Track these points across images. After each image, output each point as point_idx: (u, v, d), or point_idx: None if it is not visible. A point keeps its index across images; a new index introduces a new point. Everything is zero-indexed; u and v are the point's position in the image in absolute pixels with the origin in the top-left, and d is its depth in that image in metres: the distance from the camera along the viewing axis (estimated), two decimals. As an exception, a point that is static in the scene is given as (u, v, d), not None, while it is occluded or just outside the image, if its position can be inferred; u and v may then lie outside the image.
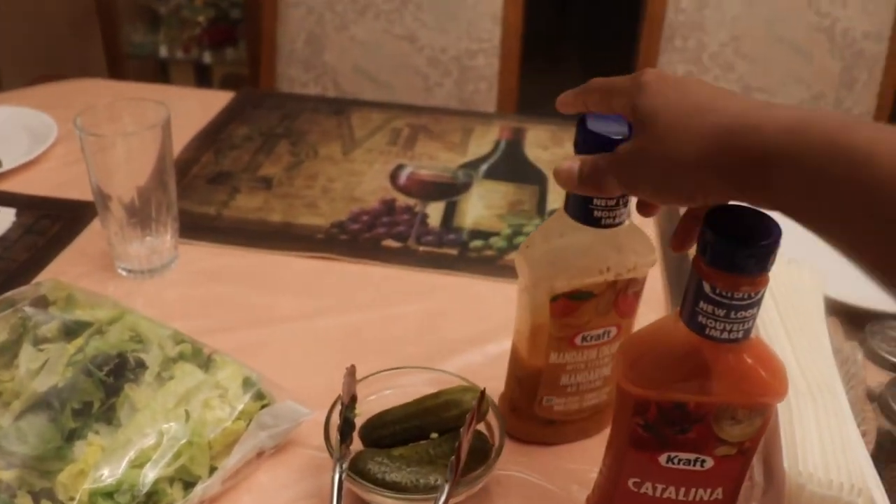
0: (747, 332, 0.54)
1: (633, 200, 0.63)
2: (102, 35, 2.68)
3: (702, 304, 0.53)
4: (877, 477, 0.60)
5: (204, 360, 0.74)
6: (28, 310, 0.76)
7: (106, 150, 0.90)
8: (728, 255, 0.51)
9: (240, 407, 0.70)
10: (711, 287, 0.52)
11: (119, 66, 2.72)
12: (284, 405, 0.73)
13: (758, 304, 0.53)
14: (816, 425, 0.62)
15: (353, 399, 0.69)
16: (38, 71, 1.41)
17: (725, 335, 0.53)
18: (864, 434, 0.64)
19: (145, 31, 2.91)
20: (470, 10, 1.60)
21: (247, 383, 0.73)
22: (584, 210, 0.64)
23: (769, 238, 0.51)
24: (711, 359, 0.55)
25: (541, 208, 1.11)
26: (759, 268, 0.51)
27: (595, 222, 0.64)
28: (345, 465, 0.65)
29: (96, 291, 0.84)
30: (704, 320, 0.53)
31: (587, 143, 0.61)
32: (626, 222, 0.66)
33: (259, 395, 0.73)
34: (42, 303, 0.78)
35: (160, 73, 3.01)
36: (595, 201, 0.63)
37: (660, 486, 0.62)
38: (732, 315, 0.53)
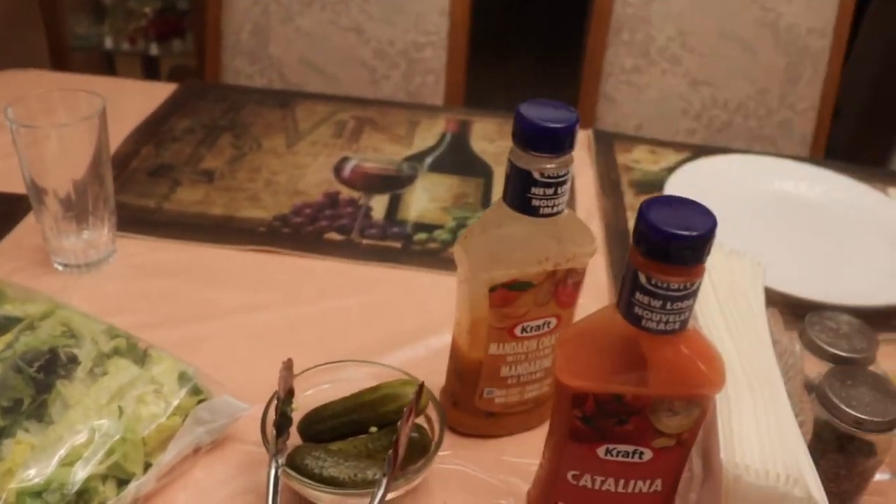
0: (684, 323, 0.54)
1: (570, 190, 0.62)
2: (45, 27, 2.62)
3: (638, 296, 0.53)
4: (813, 467, 0.60)
5: (139, 356, 0.73)
6: (-45, 303, 0.74)
7: (39, 142, 0.88)
8: (663, 246, 0.51)
9: (175, 402, 0.69)
10: (647, 278, 0.52)
11: (63, 58, 2.67)
12: (221, 400, 0.72)
13: (694, 295, 0.53)
14: (754, 417, 0.62)
15: (290, 393, 0.68)
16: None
17: (662, 326, 0.53)
18: (801, 424, 0.64)
19: (89, 22, 2.86)
20: (417, 2, 1.59)
21: (183, 378, 0.71)
22: (522, 200, 0.63)
23: (705, 229, 0.51)
24: (648, 350, 0.55)
25: (486, 201, 1.10)
26: (694, 259, 0.51)
27: (533, 212, 0.63)
28: (281, 460, 0.64)
29: (29, 286, 0.82)
30: (641, 311, 0.53)
31: (525, 131, 0.61)
32: (565, 212, 0.65)
33: (195, 390, 0.71)
34: (-29, 295, 0.76)
35: (106, 65, 2.95)
36: (533, 190, 0.62)
37: (599, 479, 0.61)
38: (669, 306, 0.52)
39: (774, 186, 1.20)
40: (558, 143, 0.61)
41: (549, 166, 0.62)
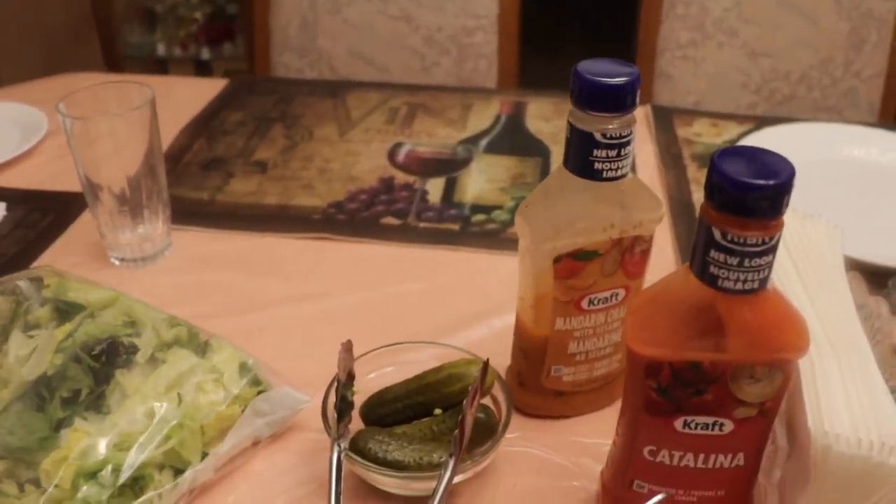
0: (763, 281, 0.50)
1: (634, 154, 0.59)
2: (99, 37, 2.65)
3: (713, 253, 0.49)
4: (908, 433, 0.56)
5: (200, 345, 0.71)
6: (22, 284, 0.73)
7: (91, 137, 0.87)
8: (738, 198, 0.47)
9: (235, 392, 0.67)
10: (722, 233, 0.48)
11: (117, 67, 2.70)
12: (281, 391, 0.70)
13: (773, 250, 0.49)
14: (841, 382, 0.58)
15: (351, 376, 0.66)
16: (37, 76, 1.39)
17: (740, 286, 0.50)
18: (892, 391, 0.61)
19: (142, 30, 2.89)
20: (465, -14, 1.57)
21: (243, 368, 0.70)
22: (584, 164, 0.60)
23: (783, 177, 0.47)
24: (726, 313, 0.52)
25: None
26: (773, 210, 0.48)
27: (596, 175, 0.60)
28: (343, 445, 0.62)
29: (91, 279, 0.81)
30: (716, 270, 0.50)
31: (584, 89, 0.58)
32: (630, 176, 0.62)
33: (255, 381, 0.69)
34: (37, 283, 0.75)
35: (160, 72, 2.99)
36: (595, 152, 0.59)
37: (677, 454, 0.58)
38: (746, 263, 0.49)
39: (844, 154, 1.15)
40: (620, 100, 0.58)
41: (611, 126, 0.59)
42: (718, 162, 0.48)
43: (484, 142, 1.18)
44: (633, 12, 1.64)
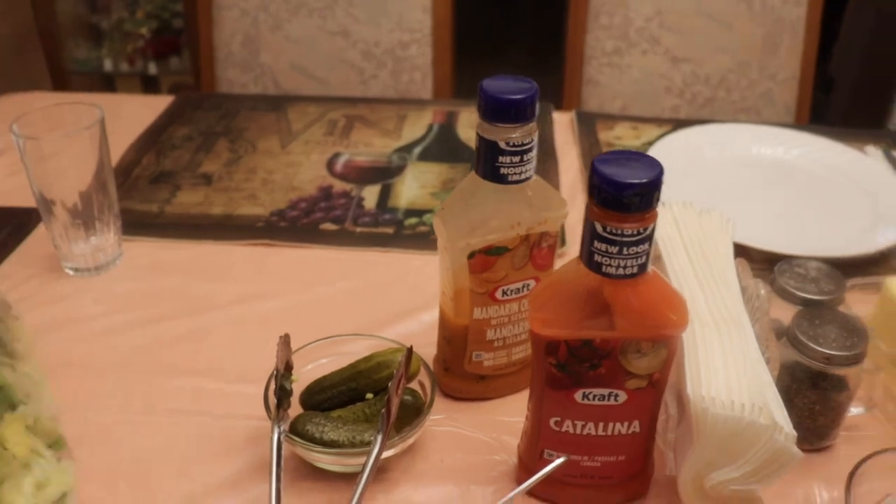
0: (642, 266, 0.58)
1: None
2: (45, 53, 2.68)
3: (596, 244, 0.57)
4: (778, 397, 0.64)
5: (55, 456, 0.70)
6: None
7: (45, 154, 0.93)
8: (615, 195, 0.55)
9: None
10: (603, 227, 0.56)
11: (64, 82, 2.73)
12: None
13: (648, 239, 0.57)
14: (721, 353, 0.66)
15: (289, 367, 0.72)
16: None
17: (621, 271, 0.58)
18: (768, 361, 0.69)
19: (88, 46, 2.92)
20: (400, 2, 1.64)
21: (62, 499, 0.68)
22: (491, 169, 0.68)
23: (652, 176, 0.55)
24: (611, 296, 0.60)
25: (474, 185, 1.15)
26: (644, 205, 0.56)
27: (503, 179, 0.68)
28: (283, 428, 0.69)
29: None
30: (600, 259, 0.58)
31: (488, 104, 0.65)
32: (534, 179, 0.70)
33: None
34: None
35: (107, 87, 3.02)
36: (500, 159, 0.67)
37: (579, 423, 0.66)
38: (625, 251, 0.57)
39: (753, 152, 1.24)
40: (521, 112, 0.66)
41: (513, 135, 0.66)
42: (598, 164, 0.56)
43: (417, 150, 1.25)
44: (561, 23, 1.72)
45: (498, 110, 0.66)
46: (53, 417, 0.72)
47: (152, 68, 2.90)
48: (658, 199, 0.57)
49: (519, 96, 0.65)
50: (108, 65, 2.90)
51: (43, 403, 0.72)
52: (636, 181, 0.55)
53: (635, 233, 0.56)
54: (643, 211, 0.56)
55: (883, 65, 2.76)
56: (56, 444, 0.71)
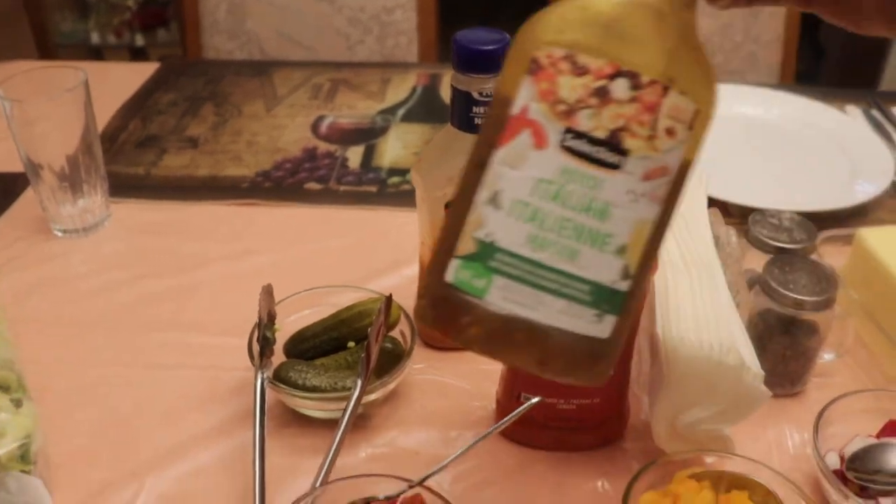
0: None
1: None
2: (31, 25, 2.67)
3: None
4: (747, 338, 0.66)
5: (15, 399, 0.69)
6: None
7: (31, 118, 0.94)
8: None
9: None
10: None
11: (51, 55, 2.72)
12: (33, 482, 0.67)
13: None
14: (691, 296, 0.68)
15: (272, 317, 0.74)
16: (-35, 65, 1.44)
17: None
18: (737, 305, 0.71)
19: (74, 19, 2.91)
20: (385, -33, 1.65)
21: (26, 439, 0.67)
22: (465, 119, 0.70)
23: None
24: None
25: (457, 145, 1.16)
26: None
27: (476, 129, 0.69)
28: (267, 374, 0.71)
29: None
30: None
31: (461, 55, 0.67)
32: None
33: (25, 458, 0.66)
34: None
35: (94, 59, 3.01)
36: (474, 109, 0.68)
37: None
38: None
39: (733, 111, 1.25)
40: (493, 63, 0.67)
41: (486, 86, 0.68)
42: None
43: (401, 111, 1.26)
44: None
45: (470, 61, 0.67)
46: (8, 363, 0.72)
47: (140, 40, 2.90)
48: None
49: (491, 47, 0.67)
50: (95, 37, 2.90)
51: None
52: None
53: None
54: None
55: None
56: (15, 390, 0.71)
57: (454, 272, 0.45)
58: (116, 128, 1.23)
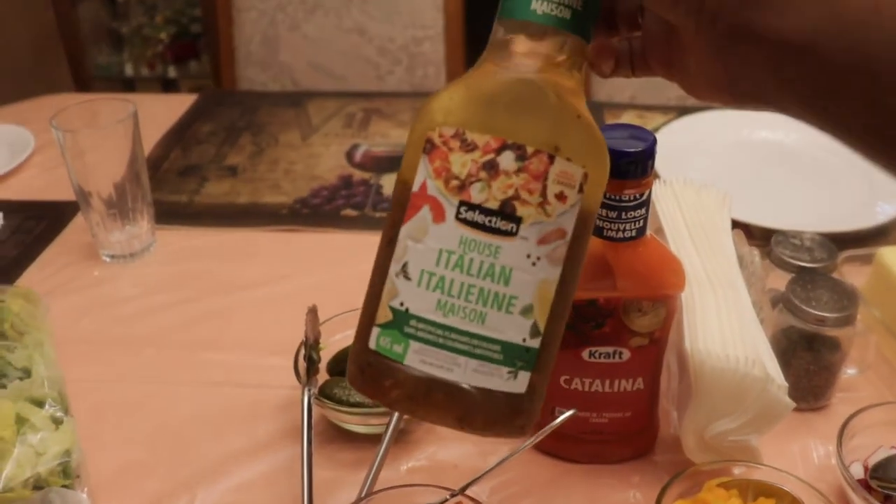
0: (640, 230, 0.63)
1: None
2: (68, 58, 2.75)
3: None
4: (771, 352, 0.69)
5: (56, 416, 0.73)
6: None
7: (82, 148, 0.98)
8: (613, 164, 0.60)
9: (41, 471, 0.68)
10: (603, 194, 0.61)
11: (86, 87, 2.80)
12: (77, 496, 0.70)
13: (645, 204, 0.62)
14: (716, 312, 0.71)
15: (317, 338, 0.78)
16: (4, 98, 1.49)
17: (621, 234, 0.63)
18: (761, 321, 0.74)
19: (109, 52, 2.99)
20: (412, 0, 1.70)
21: (66, 454, 0.70)
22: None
23: (646, 145, 0.60)
24: (613, 258, 0.65)
25: (487, 171, 1.20)
26: (640, 171, 0.61)
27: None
28: (313, 391, 0.74)
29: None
30: (601, 223, 0.63)
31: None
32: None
33: (66, 472, 0.70)
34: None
35: (127, 91, 3.08)
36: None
37: (587, 381, 0.71)
38: (623, 216, 0.62)
39: (753, 136, 1.29)
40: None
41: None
42: None
43: (432, 140, 1.30)
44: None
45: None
46: (53, 382, 0.76)
47: (172, 72, 2.97)
48: (652, 167, 0.62)
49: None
50: (129, 69, 2.98)
51: (37, 376, 0.76)
52: (632, 150, 0.60)
53: (632, 198, 0.62)
54: (639, 178, 0.61)
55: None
56: (57, 409, 0.74)
57: (375, 339, 0.49)
58: (158, 157, 1.28)
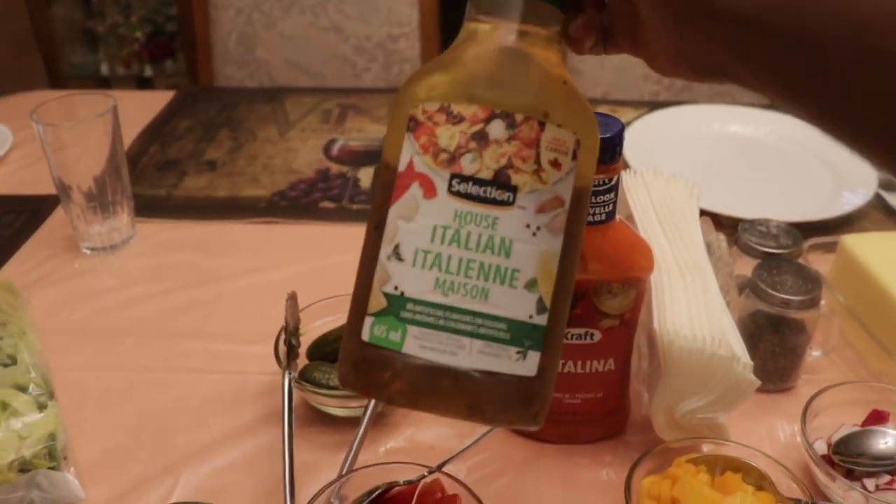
0: (609, 214, 0.66)
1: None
2: (43, 57, 2.74)
3: None
4: (737, 332, 0.72)
5: (40, 400, 0.75)
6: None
7: (62, 141, 1.00)
8: None
9: (26, 454, 0.70)
10: None
11: (61, 86, 2.79)
12: (64, 477, 0.71)
13: (614, 189, 0.65)
14: (685, 294, 0.73)
15: (297, 322, 0.80)
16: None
17: (590, 218, 0.65)
18: (728, 304, 0.76)
19: (84, 51, 2.99)
20: (388, -2, 1.72)
21: (51, 437, 0.72)
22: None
23: (613, 132, 0.63)
24: (585, 241, 0.67)
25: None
26: (608, 157, 0.63)
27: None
28: (293, 374, 0.76)
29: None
30: None
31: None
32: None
33: (52, 455, 0.71)
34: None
35: (103, 89, 3.08)
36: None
37: (560, 362, 0.73)
38: (593, 199, 0.64)
39: (723, 129, 1.32)
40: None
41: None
42: None
43: (409, 134, 1.32)
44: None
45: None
46: (38, 369, 0.77)
47: (148, 71, 2.97)
48: (620, 153, 0.64)
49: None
50: (104, 69, 2.98)
51: (22, 363, 0.77)
52: (602, 135, 0.62)
53: (602, 183, 0.64)
54: (608, 163, 0.63)
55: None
56: (41, 394, 0.75)
57: (369, 330, 0.46)
58: (137, 152, 1.29)
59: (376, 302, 0.46)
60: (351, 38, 1.74)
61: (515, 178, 0.45)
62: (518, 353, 0.45)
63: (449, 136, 0.46)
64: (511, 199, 0.45)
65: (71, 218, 1.04)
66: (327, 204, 1.14)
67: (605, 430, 0.78)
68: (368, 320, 0.46)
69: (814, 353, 0.86)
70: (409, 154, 0.46)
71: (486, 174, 0.45)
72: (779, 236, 0.88)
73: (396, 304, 0.45)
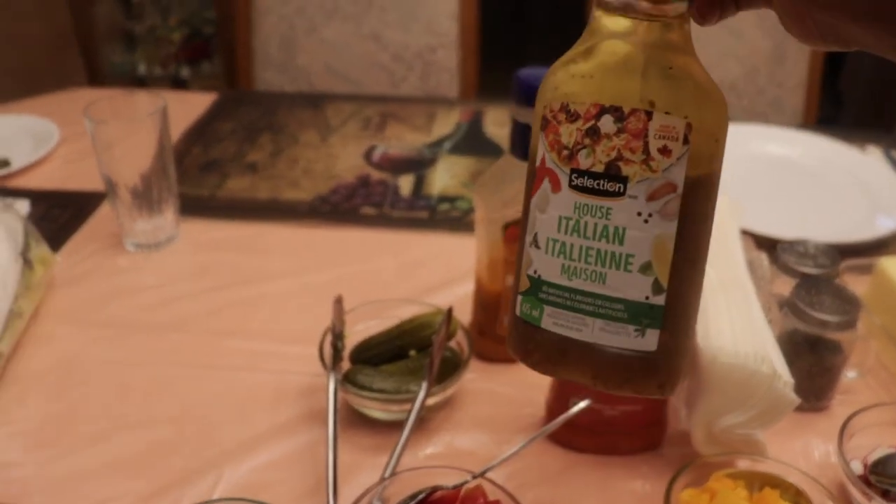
0: None
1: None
2: (83, 56, 2.78)
3: None
4: (778, 350, 0.73)
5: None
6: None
7: (112, 138, 1.02)
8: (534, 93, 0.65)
9: None
10: None
11: (99, 85, 2.83)
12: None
13: None
14: (727, 311, 0.74)
15: (342, 325, 0.81)
16: (19, 95, 1.51)
17: None
18: (769, 322, 0.77)
19: (122, 51, 3.03)
20: (429, 9, 1.73)
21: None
22: (524, 149, 0.76)
23: None
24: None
25: (501, 176, 1.24)
26: None
27: (535, 157, 0.76)
28: (338, 377, 0.78)
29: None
30: None
31: (521, 89, 0.74)
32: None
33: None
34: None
35: (140, 89, 3.12)
36: (533, 139, 0.76)
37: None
38: None
39: (760, 150, 1.32)
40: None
41: (545, 118, 0.75)
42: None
43: (447, 144, 1.34)
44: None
45: (531, 94, 0.74)
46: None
47: (184, 72, 3.00)
48: None
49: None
50: (141, 69, 3.01)
51: None
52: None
53: None
54: None
55: (890, 79, 2.84)
56: None
57: (519, 306, 0.51)
58: (180, 152, 1.31)
59: (524, 283, 0.51)
60: (390, 46, 1.76)
61: (625, 170, 0.48)
62: (636, 330, 0.49)
63: (568, 133, 0.49)
64: (622, 190, 0.48)
65: (117, 214, 1.07)
66: (368, 210, 1.16)
67: (642, 443, 0.79)
68: (519, 298, 0.51)
69: (849, 375, 0.86)
70: (542, 151, 0.50)
71: (599, 168, 0.48)
72: (817, 256, 0.89)
73: (536, 286, 0.50)
